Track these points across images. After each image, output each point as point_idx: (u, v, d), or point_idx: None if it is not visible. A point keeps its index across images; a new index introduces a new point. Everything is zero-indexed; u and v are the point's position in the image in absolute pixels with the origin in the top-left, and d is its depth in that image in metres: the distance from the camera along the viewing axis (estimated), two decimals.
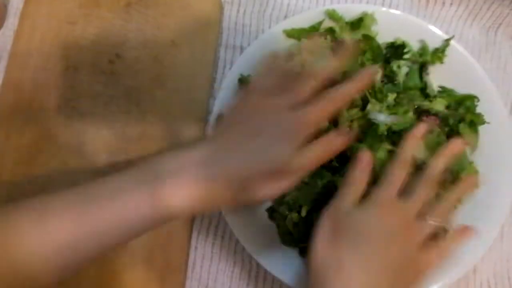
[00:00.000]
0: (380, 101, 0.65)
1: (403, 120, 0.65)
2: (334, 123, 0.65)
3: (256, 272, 0.71)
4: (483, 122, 0.68)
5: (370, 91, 0.65)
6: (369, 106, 0.65)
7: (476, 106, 0.70)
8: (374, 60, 0.70)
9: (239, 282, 0.71)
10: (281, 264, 0.65)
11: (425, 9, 0.82)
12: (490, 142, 0.69)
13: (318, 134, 0.53)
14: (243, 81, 0.71)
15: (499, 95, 0.72)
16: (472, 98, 0.71)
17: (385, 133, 0.64)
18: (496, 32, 0.81)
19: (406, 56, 0.72)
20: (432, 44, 0.74)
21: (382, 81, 0.69)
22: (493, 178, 0.68)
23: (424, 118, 0.67)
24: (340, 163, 0.63)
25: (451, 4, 0.82)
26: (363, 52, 0.69)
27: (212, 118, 0.70)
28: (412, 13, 0.81)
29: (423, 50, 0.74)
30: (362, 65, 0.67)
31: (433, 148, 0.64)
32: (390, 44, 0.72)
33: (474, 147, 0.70)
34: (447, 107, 0.71)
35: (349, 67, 0.64)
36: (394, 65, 0.71)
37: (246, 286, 0.71)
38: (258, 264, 0.71)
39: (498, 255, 0.72)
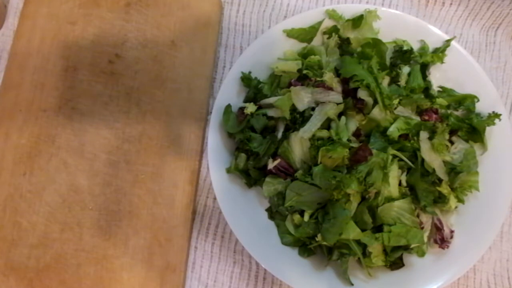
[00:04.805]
0: (388, 107, 0.64)
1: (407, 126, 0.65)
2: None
3: (256, 272, 0.71)
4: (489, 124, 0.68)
5: (377, 96, 0.65)
6: (375, 111, 0.65)
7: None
8: (381, 66, 0.69)
9: (239, 282, 0.71)
10: (281, 264, 0.65)
11: (425, 9, 0.82)
12: (489, 142, 0.69)
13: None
14: (245, 78, 0.71)
15: (499, 95, 0.72)
16: (472, 98, 0.71)
17: (395, 138, 0.64)
18: (496, 32, 0.81)
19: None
20: (432, 44, 0.74)
21: (388, 85, 0.69)
22: (493, 178, 0.68)
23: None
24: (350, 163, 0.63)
25: (451, 4, 0.82)
26: (370, 57, 0.68)
27: (212, 117, 0.70)
28: (412, 13, 0.81)
29: (423, 50, 0.74)
30: (370, 70, 0.66)
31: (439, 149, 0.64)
32: (397, 49, 0.71)
33: (484, 149, 0.70)
34: (447, 106, 0.71)
35: (356, 72, 0.64)
36: (402, 70, 0.70)
37: (246, 286, 0.71)
38: (258, 264, 0.71)
39: (498, 255, 0.72)
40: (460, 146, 0.68)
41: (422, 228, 0.65)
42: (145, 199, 0.71)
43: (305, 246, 0.66)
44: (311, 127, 0.64)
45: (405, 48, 0.71)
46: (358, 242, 0.63)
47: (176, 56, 0.77)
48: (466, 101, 0.71)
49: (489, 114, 0.69)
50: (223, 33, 0.81)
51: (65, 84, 0.75)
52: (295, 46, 0.74)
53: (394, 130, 0.65)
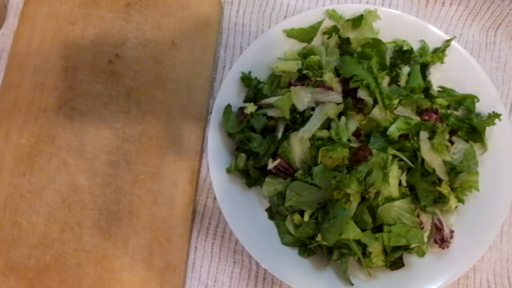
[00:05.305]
0: (388, 107, 0.64)
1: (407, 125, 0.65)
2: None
3: (256, 272, 0.71)
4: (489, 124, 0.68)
5: (377, 96, 0.65)
6: (375, 111, 0.65)
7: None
8: (381, 66, 0.69)
9: (239, 282, 0.71)
10: (281, 264, 0.65)
11: (425, 9, 0.82)
12: (489, 142, 0.69)
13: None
14: (245, 78, 0.71)
15: (499, 95, 0.72)
16: (472, 98, 0.71)
17: (395, 138, 0.64)
18: (496, 32, 0.81)
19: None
20: (432, 44, 0.74)
21: (388, 85, 0.69)
22: (493, 178, 0.68)
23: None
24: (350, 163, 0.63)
25: (451, 4, 0.82)
26: (370, 57, 0.68)
27: (212, 117, 0.70)
28: (412, 13, 0.81)
29: (423, 50, 0.74)
30: (370, 70, 0.66)
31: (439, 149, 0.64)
32: (397, 49, 0.71)
33: (484, 149, 0.70)
34: (448, 106, 0.71)
35: (356, 72, 0.64)
36: (402, 70, 0.70)
37: (246, 286, 0.71)
38: (258, 264, 0.71)
39: (498, 255, 0.72)
40: (460, 146, 0.68)
41: (422, 228, 0.65)
42: (145, 199, 0.71)
43: (305, 246, 0.66)
44: (311, 127, 0.64)
45: (405, 48, 0.71)
46: (358, 242, 0.63)
47: (176, 56, 0.77)
48: (466, 101, 0.71)
49: (489, 114, 0.69)
50: (223, 33, 0.81)
51: (65, 84, 0.75)
52: (295, 46, 0.74)
53: (394, 130, 0.65)
